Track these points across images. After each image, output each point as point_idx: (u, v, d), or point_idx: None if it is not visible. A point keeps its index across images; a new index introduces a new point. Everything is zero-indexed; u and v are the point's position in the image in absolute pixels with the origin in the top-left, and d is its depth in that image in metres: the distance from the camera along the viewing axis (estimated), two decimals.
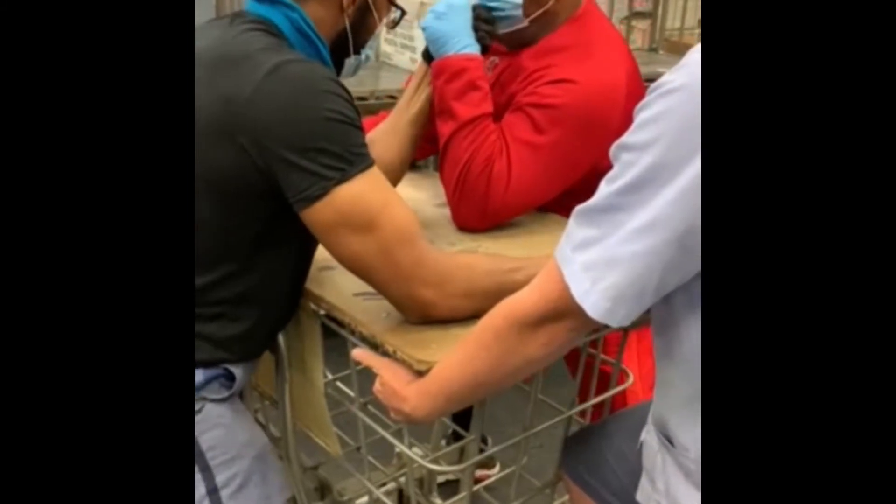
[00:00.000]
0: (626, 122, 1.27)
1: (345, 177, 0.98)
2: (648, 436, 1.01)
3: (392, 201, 1.03)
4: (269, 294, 1.11)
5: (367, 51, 1.22)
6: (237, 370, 1.12)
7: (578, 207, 0.81)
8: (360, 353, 1.07)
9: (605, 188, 0.79)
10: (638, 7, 3.27)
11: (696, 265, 0.78)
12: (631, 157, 0.76)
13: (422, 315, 1.07)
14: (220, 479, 1.10)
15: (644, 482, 1.01)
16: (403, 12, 1.24)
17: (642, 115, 0.76)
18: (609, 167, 0.79)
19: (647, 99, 0.76)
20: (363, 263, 1.04)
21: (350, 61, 1.20)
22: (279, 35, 1.09)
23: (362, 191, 1.00)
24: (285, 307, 1.18)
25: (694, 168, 0.71)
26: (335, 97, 1.00)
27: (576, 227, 0.81)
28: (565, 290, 0.80)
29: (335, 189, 0.98)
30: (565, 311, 0.82)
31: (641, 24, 3.31)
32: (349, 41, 1.17)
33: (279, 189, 1.00)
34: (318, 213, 1.00)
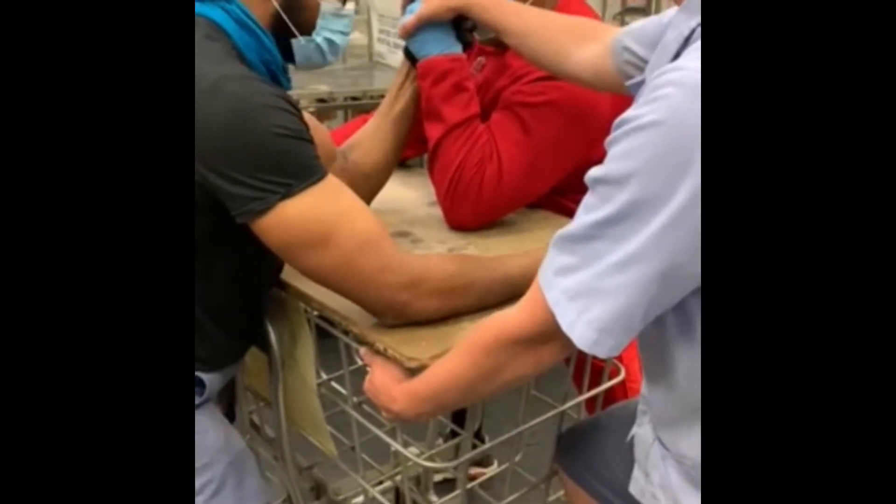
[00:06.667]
0: (614, 109, 1.27)
1: (290, 192, 0.95)
2: (640, 429, 1.01)
3: (349, 211, 1.01)
4: (219, 309, 1.09)
5: (325, 33, 1.15)
6: (207, 377, 1.12)
7: (558, 234, 0.81)
8: (365, 354, 1.06)
9: (583, 217, 0.78)
10: (631, 3, 3.27)
11: (681, 294, 0.78)
12: (607, 191, 0.75)
13: (396, 318, 1.06)
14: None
15: (637, 474, 1.01)
16: None
17: (613, 149, 0.75)
18: (600, 158, 0.78)
19: (615, 134, 0.75)
20: (325, 276, 1.02)
21: (299, 43, 1.13)
22: (222, 37, 1.04)
23: (313, 205, 0.97)
24: (244, 323, 1.17)
25: (674, 204, 0.71)
26: (279, 111, 0.96)
27: (556, 253, 0.81)
28: (550, 314, 0.80)
29: (280, 204, 0.95)
30: (553, 333, 0.81)
31: (634, 21, 3.32)
32: (287, 23, 1.10)
33: (219, 204, 0.97)
34: (266, 230, 0.97)
